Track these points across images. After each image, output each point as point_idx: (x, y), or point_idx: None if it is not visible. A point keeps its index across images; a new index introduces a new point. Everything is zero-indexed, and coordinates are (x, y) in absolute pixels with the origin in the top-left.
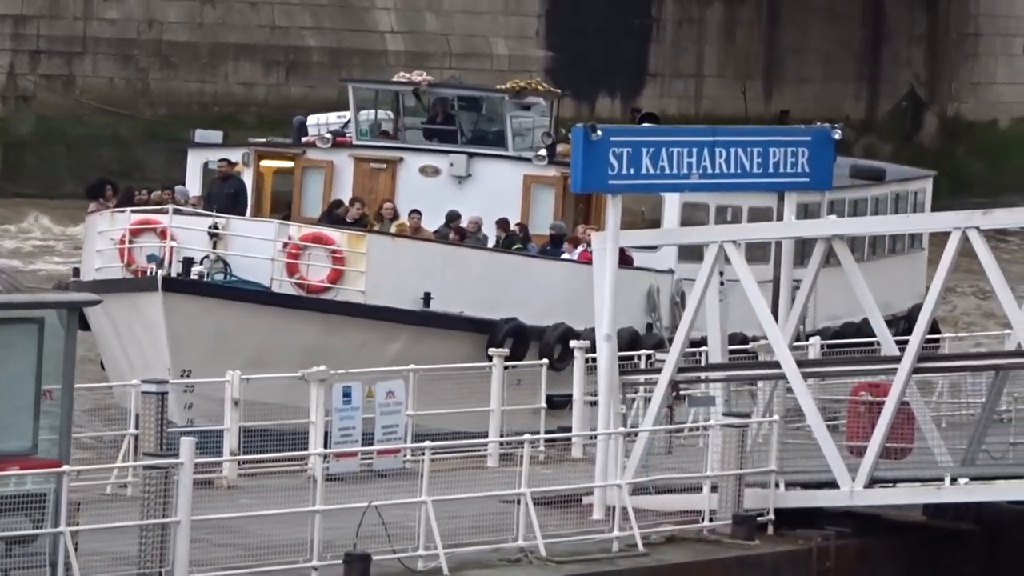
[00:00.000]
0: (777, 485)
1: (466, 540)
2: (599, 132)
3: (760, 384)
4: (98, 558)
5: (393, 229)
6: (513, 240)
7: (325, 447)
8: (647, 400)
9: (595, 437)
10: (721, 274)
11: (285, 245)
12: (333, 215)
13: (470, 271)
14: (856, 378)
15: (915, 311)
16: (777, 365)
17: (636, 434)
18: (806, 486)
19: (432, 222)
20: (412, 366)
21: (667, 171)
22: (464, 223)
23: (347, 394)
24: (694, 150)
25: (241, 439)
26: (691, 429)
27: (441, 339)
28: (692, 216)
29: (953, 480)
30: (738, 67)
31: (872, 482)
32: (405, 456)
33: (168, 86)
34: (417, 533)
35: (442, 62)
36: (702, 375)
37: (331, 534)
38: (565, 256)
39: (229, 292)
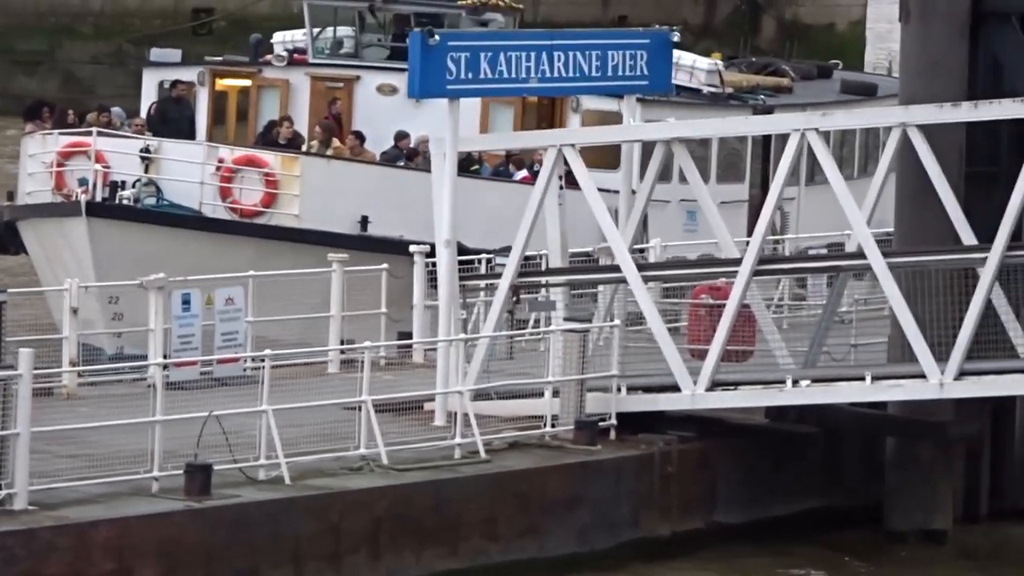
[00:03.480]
0: (619, 389)
1: (308, 448)
2: (436, 37)
3: (601, 288)
4: None
5: (331, 151)
6: (471, 162)
7: (165, 356)
8: (488, 305)
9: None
10: (561, 178)
11: (218, 168)
12: (268, 136)
13: (409, 194)
14: (697, 281)
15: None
16: (618, 269)
17: (477, 340)
18: (648, 390)
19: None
20: (252, 272)
21: (505, 75)
22: (413, 143)
23: (186, 301)
24: (532, 54)
25: (80, 349)
26: (532, 334)
27: (378, 263)
28: None
29: (795, 383)
30: None
31: (714, 385)
32: (246, 364)
33: None
34: (258, 442)
35: None
36: (542, 279)
37: (172, 444)
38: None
39: (156, 217)
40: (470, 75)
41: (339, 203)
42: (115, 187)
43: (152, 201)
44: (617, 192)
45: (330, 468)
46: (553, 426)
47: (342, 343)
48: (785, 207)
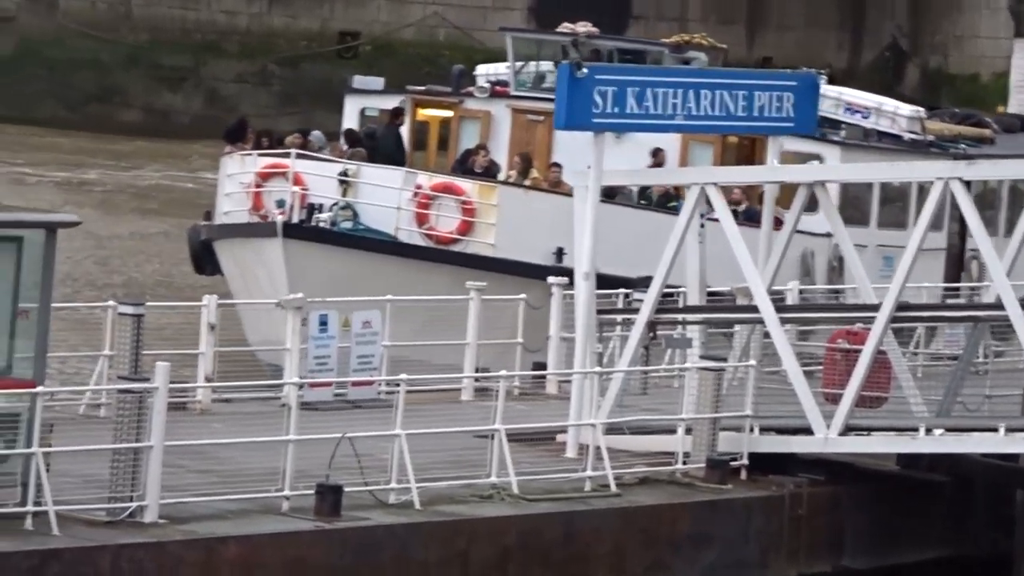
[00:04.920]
0: (752, 429)
1: (439, 474)
2: (585, 70)
3: (737, 328)
4: (70, 480)
5: (529, 181)
6: (670, 198)
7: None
8: (624, 339)
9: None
10: (702, 216)
11: (415, 194)
12: (465, 164)
13: (607, 227)
14: (834, 325)
15: None
16: (755, 309)
17: (611, 374)
18: (780, 431)
19: None
20: (389, 296)
21: (651, 111)
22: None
23: (323, 323)
24: (679, 91)
25: (215, 365)
26: (667, 370)
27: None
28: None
29: (928, 431)
30: (722, 12)
31: (847, 430)
32: (380, 387)
33: (151, 12)
34: (390, 466)
35: None
36: (679, 316)
37: (304, 463)
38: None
39: (351, 240)
40: (616, 109)
41: (535, 233)
42: (312, 209)
43: (348, 225)
44: (817, 235)
45: (460, 495)
46: (684, 463)
47: (477, 371)
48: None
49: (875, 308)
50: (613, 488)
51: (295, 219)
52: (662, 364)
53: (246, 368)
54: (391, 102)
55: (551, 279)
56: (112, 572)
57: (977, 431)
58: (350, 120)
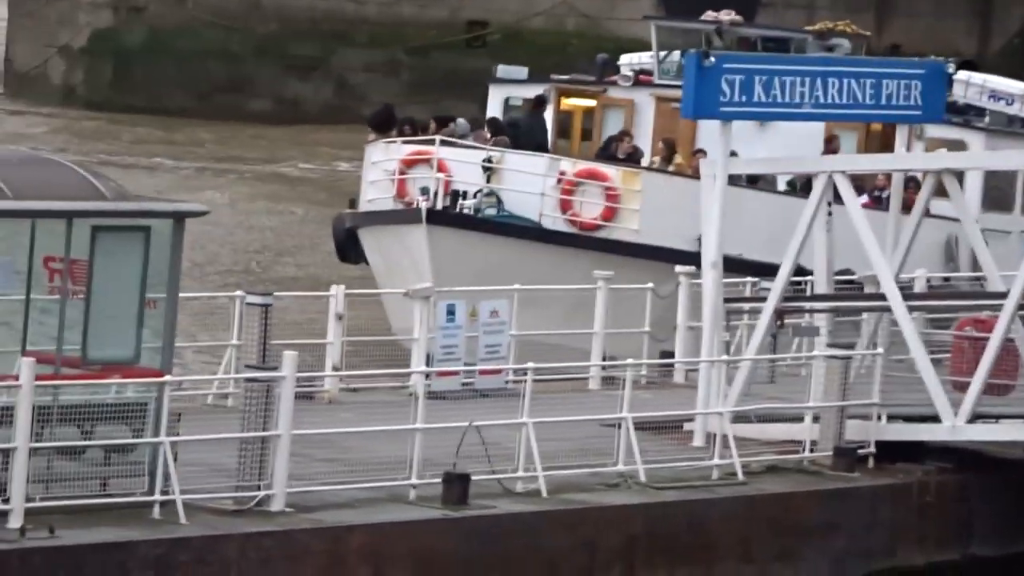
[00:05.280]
0: (879, 418)
1: (566, 463)
2: (712, 59)
3: (864, 315)
4: (197, 469)
5: (672, 167)
6: (798, 186)
7: (428, 365)
8: (751, 328)
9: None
10: (829, 204)
11: (559, 181)
12: (608, 151)
13: (750, 213)
14: (962, 312)
15: None
16: (883, 297)
17: (739, 362)
18: (908, 420)
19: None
20: (517, 285)
21: (779, 99)
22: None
23: (451, 312)
24: (807, 79)
25: (343, 354)
26: (794, 359)
27: None
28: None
29: None
30: None
31: (974, 417)
32: (507, 376)
33: (280, 1)
34: (517, 454)
35: None
36: (807, 305)
37: (431, 452)
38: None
39: (495, 227)
40: (743, 98)
41: (679, 219)
42: (456, 196)
43: (493, 211)
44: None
45: (587, 483)
46: (812, 451)
47: (604, 359)
48: None
49: (1003, 296)
50: (740, 476)
51: (439, 206)
52: (789, 352)
53: (375, 357)
54: (534, 91)
55: (678, 268)
56: (239, 560)
57: None
58: (494, 109)
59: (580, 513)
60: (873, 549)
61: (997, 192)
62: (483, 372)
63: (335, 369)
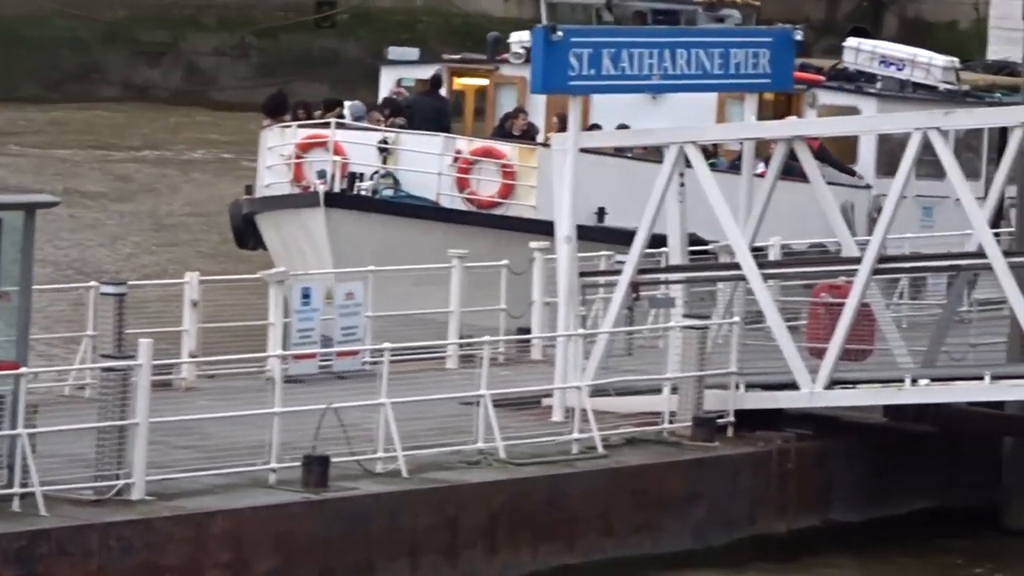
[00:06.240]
0: (737, 387)
1: (425, 442)
2: (560, 33)
3: (720, 285)
4: (56, 460)
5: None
6: (707, 155)
7: (284, 349)
8: (607, 301)
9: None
10: (681, 175)
11: (455, 160)
12: (503, 129)
13: (647, 186)
14: (818, 279)
15: None
16: (737, 266)
17: (595, 336)
18: (766, 388)
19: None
20: (371, 267)
21: (628, 72)
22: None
23: (306, 295)
24: (655, 51)
25: (199, 341)
26: (651, 331)
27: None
28: None
29: (913, 381)
30: None
31: (832, 383)
32: (365, 358)
33: None
34: (376, 435)
35: None
36: (662, 276)
37: (290, 436)
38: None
39: (393, 208)
40: (592, 71)
41: (576, 194)
42: (353, 179)
43: (390, 192)
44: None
45: (447, 462)
46: (671, 423)
47: (461, 338)
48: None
49: (857, 261)
50: (600, 450)
51: (336, 189)
52: (646, 325)
53: (233, 345)
54: (426, 72)
55: (532, 243)
56: (100, 550)
57: (962, 380)
58: (385, 91)
59: (441, 492)
60: (734, 518)
61: (890, 158)
62: (340, 354)
63: (191, 356)
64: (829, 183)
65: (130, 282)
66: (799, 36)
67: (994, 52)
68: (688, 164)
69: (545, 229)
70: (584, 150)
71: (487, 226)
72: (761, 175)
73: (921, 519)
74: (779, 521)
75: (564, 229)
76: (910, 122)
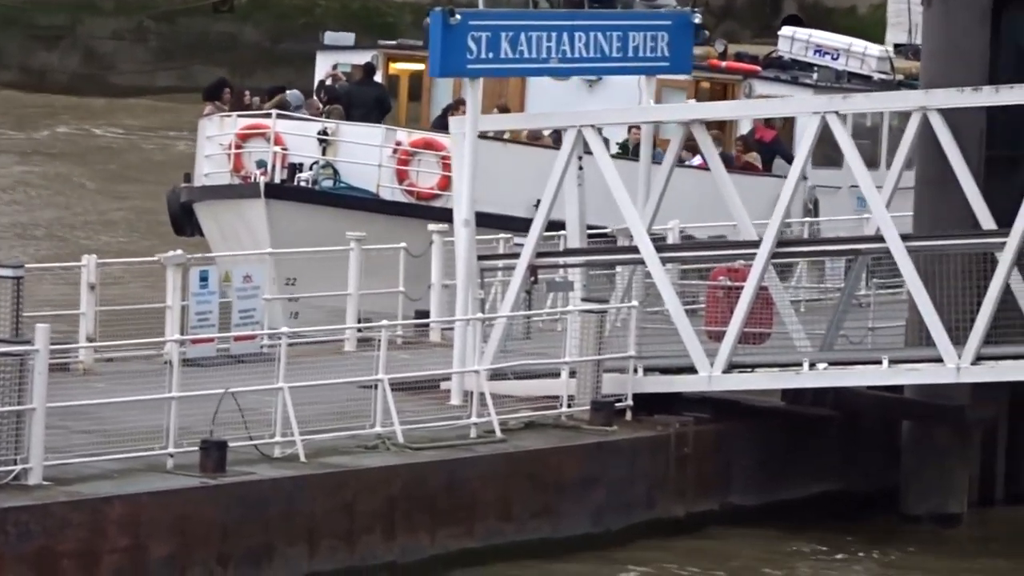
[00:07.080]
0: (636, 371)
1: (323, 426)
2: (457, 16)
3: (619, 269)
4: None
5: (507, 134)
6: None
7: (182, 332)
8: (506, 285)
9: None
10: (580, 159)
11: (395, 151)
12: (444, 120)
13: (587, 178)
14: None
15: None
16: (636, 250)
17: (494, 319)
18: (665, 371)
19: None
20: (270, 249)
21: (526, 55)
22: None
23: (204, 278)
24: (553, 34)
25: (97, 325)
26: (549, 314)
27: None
28: None
29: (811, 365)
30: None
31: (730, 367)
32: (263, 342)
33: None
34: (274, 419)
35: None
36: (560, 260)
37: (187, 420)
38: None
39: (333, 199)
40: (490, 55)
41: (514, 186)
42: (293, 169)
43: (329, 184)
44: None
45: (345, 446)
46: (569, 406)
47: (359, 321)
48: None
49: (755, 244)
50: (498, 434)
51: (276, 179)
52: (544, 308)
53: (130, 328)
54: (362, 57)
55: (431, 226)
56: None
57: (861, 364)
58: (321, 75)
59: (338, 476)
60: (633, 502)
61: (828, 147)
62: (238, 338)
63: (89, 340)
64: (777, 175)
65: (27, 265)
66: (698, 20)
67: (892, 38)
68: (587, 150)
69: (484, 221)
70: (519, 142)
71: (427, 218)
72: (700, 167)
73: (820, 503)
74: (677, 505)
75: (463, 212)
76: (809, 106)
